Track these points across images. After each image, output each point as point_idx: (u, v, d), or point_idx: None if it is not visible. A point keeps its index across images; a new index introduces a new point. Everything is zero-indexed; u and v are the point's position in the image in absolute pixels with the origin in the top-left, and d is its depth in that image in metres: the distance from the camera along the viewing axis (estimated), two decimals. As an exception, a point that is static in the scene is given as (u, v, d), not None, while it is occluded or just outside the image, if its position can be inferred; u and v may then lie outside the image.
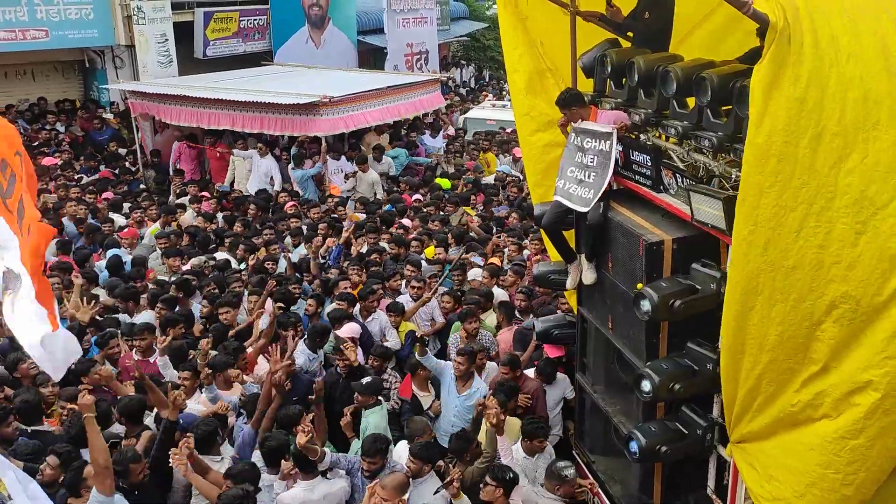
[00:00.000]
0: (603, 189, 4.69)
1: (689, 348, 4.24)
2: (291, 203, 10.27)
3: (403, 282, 7.68)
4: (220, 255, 8.55)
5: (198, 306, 7.17)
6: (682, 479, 4.70)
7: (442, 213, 10.00)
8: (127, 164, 12.59)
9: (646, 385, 4.15)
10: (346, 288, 7.23)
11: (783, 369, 3.61)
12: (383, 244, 8.78)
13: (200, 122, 11.89)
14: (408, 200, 10.93)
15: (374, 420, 5.28)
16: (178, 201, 10.63)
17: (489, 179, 12.10)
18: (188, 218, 9.85)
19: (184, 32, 15.60)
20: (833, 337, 3.44)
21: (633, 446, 4.29)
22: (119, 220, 9.88)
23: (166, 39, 15.04)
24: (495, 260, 8.16)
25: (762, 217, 3.41)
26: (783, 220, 3.36)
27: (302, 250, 8.74)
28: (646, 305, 4.09)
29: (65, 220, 9.43)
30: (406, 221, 9.85)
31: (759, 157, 3.34)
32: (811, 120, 3.24)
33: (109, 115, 14.18)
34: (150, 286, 7.48)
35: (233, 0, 16.96)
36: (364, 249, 8.55)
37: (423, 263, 8.09)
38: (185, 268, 8.06)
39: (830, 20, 3.30)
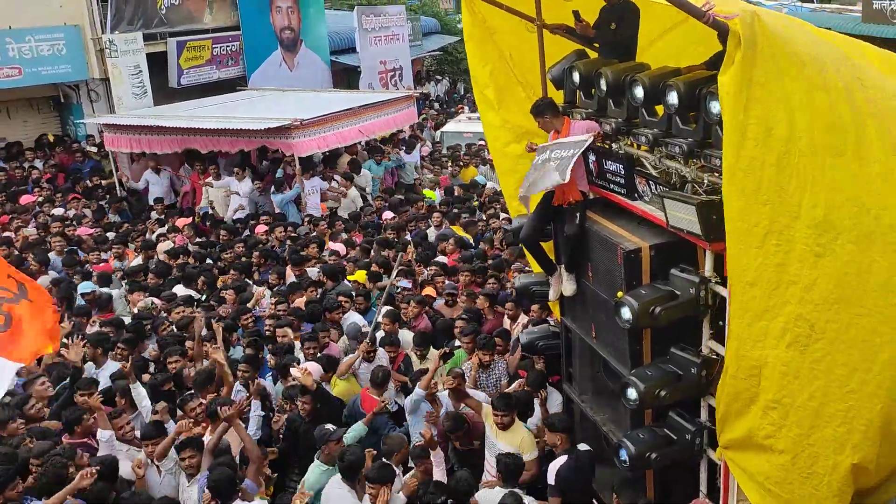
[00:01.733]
0: (573, 162, 4.54)
1: (673, 353, 4.25)
2: (265, 230, 10.26)
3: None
4: (181, 290, 8.22)
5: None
6: (674, 484, 4.69)
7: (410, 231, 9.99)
8: (106, 196, 12.49)
9: (632, 393, 4.15)
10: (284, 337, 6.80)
11: (741, 389, 3.64)
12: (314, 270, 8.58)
13: (179, 148, 11.93)
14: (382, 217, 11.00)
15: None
16: (159, 231, 10.55)
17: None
18: (163, 248, 9.76)
19: (157, 62, 15.57)
20: (786, 363, 3.43)
21: (623, 454, 4.28)
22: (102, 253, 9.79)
23: (140, 71, 14.99)
24: (430, 291, 7.88)
25: (729, 229, 3.44)
26: (745, 234, 3.38)
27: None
28: (627, 313, 4.11)
29: (51, 255, 9.33)
30: (338, 246, 9.57)
31: (727, 168, 3.38)
32: (780, 140, 3.27)
33: (92, 148, 14.09)
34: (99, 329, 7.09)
35: (205, 28, 16.96)
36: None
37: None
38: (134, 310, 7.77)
39: (799, 51, 3.36)
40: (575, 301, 5.19)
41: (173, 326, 7.18)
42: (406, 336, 6.84)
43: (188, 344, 6.66)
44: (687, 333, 4.16)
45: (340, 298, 7.43)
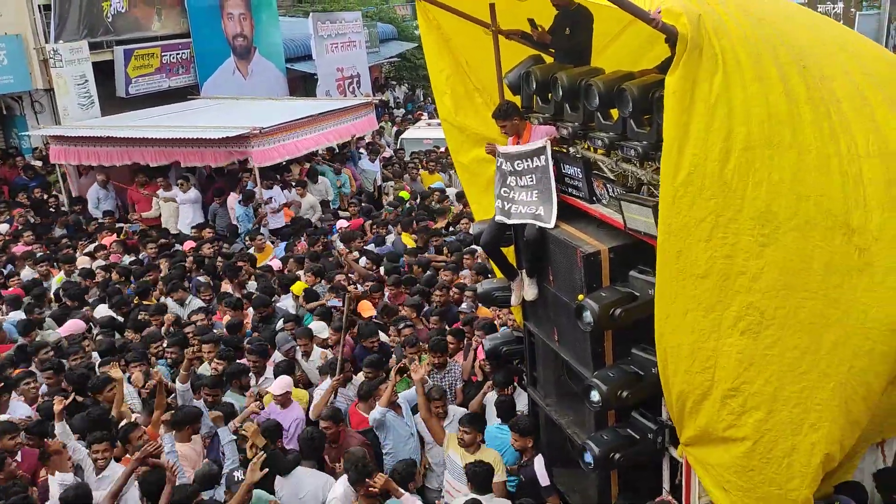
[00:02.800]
0: (555, 201, 4.68)
1: (634, 354, 4.30)
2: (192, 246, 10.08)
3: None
4: (103, 310, 7.96)
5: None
6: (639, 483, 4.74)
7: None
8: (52, 210, 12.11)
9: (594, 395, 4.19)
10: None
11: (696, 383, 3.71)
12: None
13: (131, 160, 11.58)
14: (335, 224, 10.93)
15: None
16: (88, 249, 10.22)
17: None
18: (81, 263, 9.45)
19: (104, 71, 15.17)
20: (741, 350, 3.53)
21: (587, 456, 4.31)
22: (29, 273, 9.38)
23: (86, 80, 14.57)
24: (366, 307, 7.77)
25: (674, 226, 3.52)
26: (694, 229, 3.47)
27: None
28: (588, 316, 4.14)
29: None
30: (274, 263, 9.46)
31: (671, 168, 3.45)
32: (720, 134, 3.37)
33: (37, 162, 13.63)
34: None
35: (154, 36, 16.60)
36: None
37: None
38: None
39: (734, 44, 3.43)
40: (537, 305, 5.21)
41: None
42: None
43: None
44: (647, 334, 4.20)
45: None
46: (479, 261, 8.19)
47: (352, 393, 6.30)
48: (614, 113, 4.27)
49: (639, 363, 4.25)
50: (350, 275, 8.66)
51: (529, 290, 5.10)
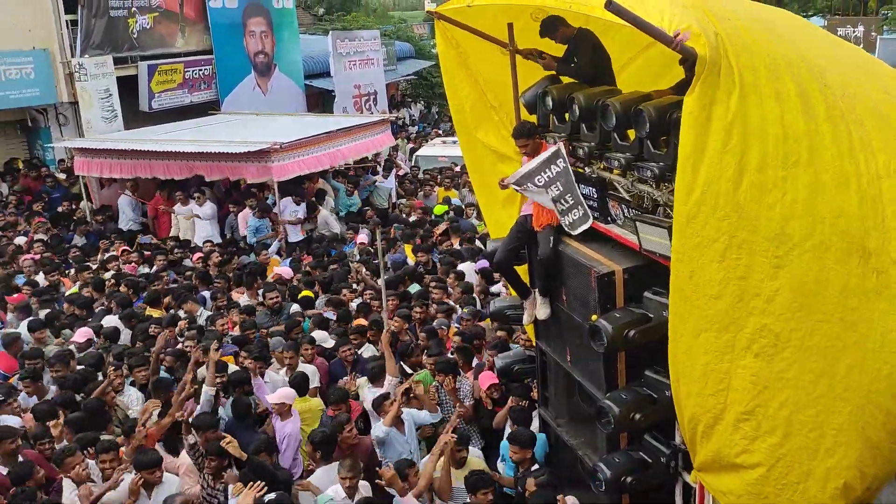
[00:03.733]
0: (579, 193, 4.68)
1: (647, 376, 4.26)
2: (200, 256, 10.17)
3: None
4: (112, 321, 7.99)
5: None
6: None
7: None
8: (72, 221, 12.26)
9: (607, 416, 4.15)
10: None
11: (708, 406, 3.66)
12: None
13: (153, 173, 11.75)
14: (355, 238, 10.96)
15: None
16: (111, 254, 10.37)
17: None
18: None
19: (128, 86, 15.44)
20: (755, 373, 3.47)
21: (599, 478, 4.26)
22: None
23: (110, 94, 14.85)
24: (362, 321, 7.73)
25: (687, 246, 3.48)
26: (707, 249, 3.43)
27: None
28: (601, 337, 4.11)
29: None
30: (283, 270, 9.56)
31: (685, 188, 3.43)
32: (735, 155, 3.33)
33: (61, 174, 13.84)
34: None
35: (177, 52, 16.88)
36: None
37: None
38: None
39: (754, 61, 3.41)
40: (549, 325, 5.19)
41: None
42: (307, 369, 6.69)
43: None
44: (661, 356, 4.16)
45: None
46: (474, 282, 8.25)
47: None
48: (631, 133, 4.26)
49: (652, 385, 4.21)
50: (358, 288, 8.70)
51: (542, 310, 5.08)
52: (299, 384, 6.31)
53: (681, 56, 3.48)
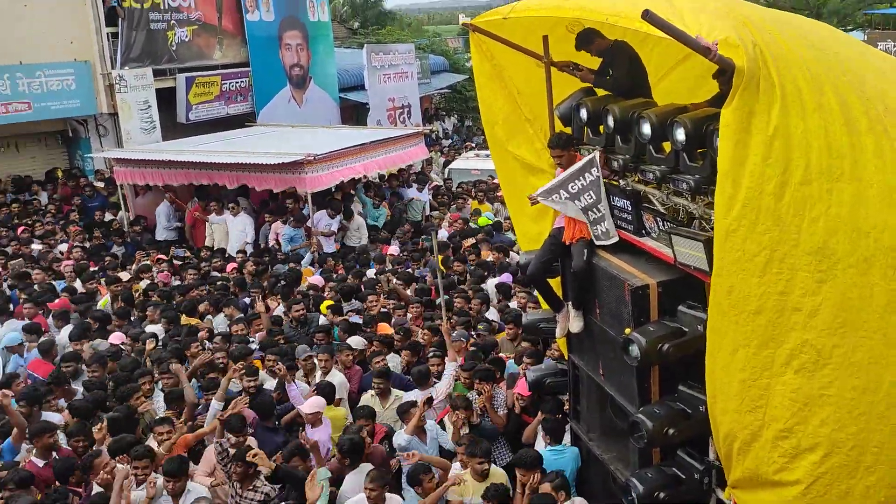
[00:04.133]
0: (606, 208, 4.70)
1: (681, 391, 4.21)
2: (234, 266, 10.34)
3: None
4: (152, 329, 8.13)
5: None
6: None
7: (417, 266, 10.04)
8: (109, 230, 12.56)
9: (639, 430, 4.10)
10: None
11: (745, 423, 3.59)
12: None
13: (192, 180, 12.06)
14: (384, 250, 10.99)
15: None
16: (144, 262, 10.58)
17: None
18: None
19: (165, 98, 15.80)
20: (795, 390, 3.41)
21: (631, 494, 4.20)
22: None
23: (149, 106, 15.21)
24: (384, 328, 7.80)
25: (727, 261, 3.43)
26: (747, 264, 3.38)
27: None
28: (635, 350, 4.07)
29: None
30: (316, 279, 9.66)
31: (725, 201, 3.39)
32: (777, 167, 3.29)
33: (99, 183, 14.22)
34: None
35: (214, 64, 17.23)
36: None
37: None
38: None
39: (794, 73, 3.37)
40: (582, 338, 5.15)
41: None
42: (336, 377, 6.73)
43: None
44: (695, 371, 4.11)
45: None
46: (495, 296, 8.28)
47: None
48: (666, 146, 4.24)
49: (686, 400, 4.16)
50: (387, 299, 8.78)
51: (575, 323, 5.05)
52: (327, 393, 6.34)
53: (717, 68, 3.45)
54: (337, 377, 6.74)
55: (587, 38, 4.89)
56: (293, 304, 8.44)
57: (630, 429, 4.19)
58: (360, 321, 7.98)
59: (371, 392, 6.51)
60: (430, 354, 6.85)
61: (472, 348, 6.93)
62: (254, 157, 11.53)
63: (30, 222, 12.16)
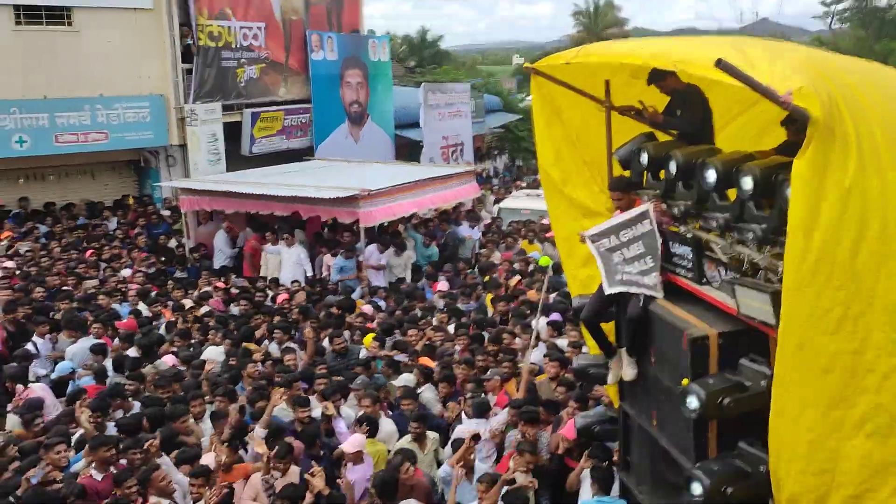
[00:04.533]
0: (660, 265, 4.65)
1: (741, 448, 4.03)
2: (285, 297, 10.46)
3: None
4: (213, 350, 8.36)
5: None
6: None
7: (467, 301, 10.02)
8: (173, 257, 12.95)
9: (696, 488, 3.93)
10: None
11: (811, 486, 3.43)
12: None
13: (254, 209, 12.41)
14: (434, 287, 11.03)
15: None
16: (206, 289, 10.83)
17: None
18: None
19: (231, 131, 16.38)
20: (866, 455, 3.25)
21: (686, 555, 4.02)
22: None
23: (216, 139, 15.80)
24: (427, 361, 7.79)
25: (798, 315, 3.31)
26: (819, 320, 3.26)
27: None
28: (693, 403, 3.94)
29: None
30: (367, 308, 9.79)
31: (798, 254, 3.28)
32: (853, 222, 3.19)
33: (166, 212, 14.75)
34: None
35: (278, 100, 17.82)
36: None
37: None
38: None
39: (871, 127, 3.29)
40: (635, 386, 5.02)
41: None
42: (386, 426, 6.63)
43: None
44: (755, 427, 3.94)
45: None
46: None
47: None
48: (731, 193, 4.15)
49: (746, 458, 3.98)
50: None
51: (629, 370, 4.93)
52: (369, 428, 6.31)
53: (786, 115, 3.38)
54: (386, 426, 6.64)
55: (661, 75, 4.85)
56: (335, 336, 8.50)
57: (685, 484, 4.03)
58: (405, 358, 7.95)
59: (408, 437, 6.45)
60: (469, 394, 6.78)
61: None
62: (312, 191, 11.81)
63: (97, 246, 12.63)
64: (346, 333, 8.83)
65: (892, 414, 3.21)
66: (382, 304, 10.29)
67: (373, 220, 11.77)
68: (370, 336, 8.55)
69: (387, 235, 12.46)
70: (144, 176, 16.18)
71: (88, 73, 14.41)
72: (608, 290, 4.90)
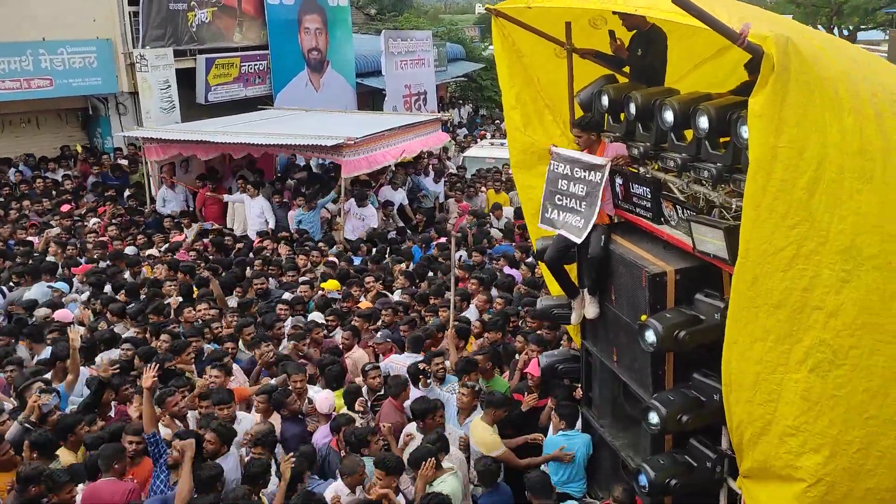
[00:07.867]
0: (593, 220, 4.77)
1: (696, 379, 4.22)
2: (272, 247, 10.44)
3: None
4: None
5: None
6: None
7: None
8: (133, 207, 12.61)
9: (653, 417, 4.12)
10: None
11: (756, 415, 3.60)
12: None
13: (214, 153, 12.15)
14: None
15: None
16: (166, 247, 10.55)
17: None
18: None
19: (184, 78, 15.84)
20: (807, 389, 3.41)
21: (642, 480, 4.24)
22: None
23: (169, 86, 15.24)
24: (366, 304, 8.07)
25: (752, 252, 3.43)
26: (773, 257, 3.38)
27: None
28: (651, 337, 4.09)
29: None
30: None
31: (757, 191, 3.38)
32: (811, 163, 3.27)
33: (123, 161, 14.28)
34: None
35: (234, 46, 17.26)
36: None
37: None
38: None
39: (833, 73, 3.37)
40: (597, 325, 5.18)
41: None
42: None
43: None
44: (709, 359, 4.12)
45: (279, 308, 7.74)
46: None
47: None
48: (688, 134, 4.23)
49: (700, 388, 4.17)
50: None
51: (590, 309, 5.07)
52: (335, 381, 6.33)
53: (748, 59, 3.43)
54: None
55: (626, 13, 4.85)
56: (255, 277, 8.75)
57: (643, 415, 4.22)
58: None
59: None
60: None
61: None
62: (293, 138, 11.48)
63: (60, 199, 12.18)
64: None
65: (834, 350, 3.35)
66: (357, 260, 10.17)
67: (355, 170, 11.58)
68: (334, 282, 8.61)
69: (359, 186, 12.30)
70: (93, 125, 15.61)
71: (29, 16, 13.67)
72: (539, 224, 5.11)
